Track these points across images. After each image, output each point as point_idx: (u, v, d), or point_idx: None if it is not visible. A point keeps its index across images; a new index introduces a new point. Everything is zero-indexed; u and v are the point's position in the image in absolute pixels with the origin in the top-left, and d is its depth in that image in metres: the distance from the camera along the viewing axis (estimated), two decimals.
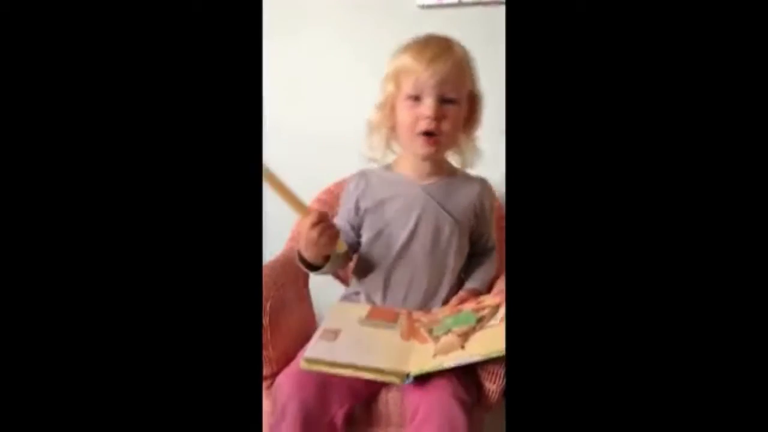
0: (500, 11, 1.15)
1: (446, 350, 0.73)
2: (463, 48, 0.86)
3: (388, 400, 0.81)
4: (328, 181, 1.13)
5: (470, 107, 0.88)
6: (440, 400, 0.71)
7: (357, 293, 0.94)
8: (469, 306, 0.83)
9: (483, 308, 0.80)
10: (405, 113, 0.84)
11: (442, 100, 0.82)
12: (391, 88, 0.86)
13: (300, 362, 0.72)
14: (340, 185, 1.09)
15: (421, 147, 0.85)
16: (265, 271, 0.88)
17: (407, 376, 0.70)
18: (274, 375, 0.82)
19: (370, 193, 0.91)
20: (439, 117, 0.82)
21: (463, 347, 0.72)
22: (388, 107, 0.87)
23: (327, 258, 0.84)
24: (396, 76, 0.84)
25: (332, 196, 1.09)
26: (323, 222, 0.77)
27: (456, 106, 0.84)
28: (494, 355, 0.69)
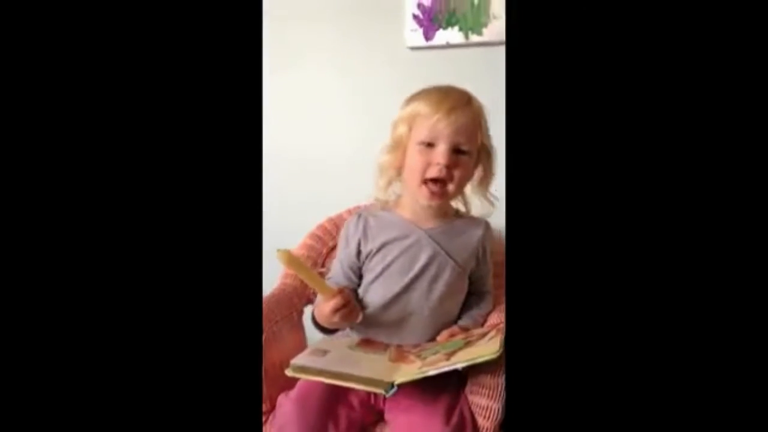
0: (488, 52, 1.20)
1: (431, 363, 0.73)
2: (479, 103, 0.87)
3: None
4: (319, 208, 1.14)
5: (483, 161, 0.89)
6: (438, 421, 0.72)
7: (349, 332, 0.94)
8: (458, 337, 0.83)
9: (472, 336, 0.81)
10: (416, 158, 0.83)
11: (456, 150, 0.82)
12: (404, 130, 0.85)
13: (287, 369, 0.72)
14: (333, 221, 1.10)
15: (426, 197, 0.84)
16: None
17: (392, 385, 0.69)
18: (268, 412, 0.82)
19: (371, 236, 0.89)
20: (450, 165, 0.81)
21: (448, 359, 0.72)
22: (400, 150, 0.86)
23: None
24: (410, 120, 0.84)
25: (325, 232, 1.10)
26: (346, 307, 0.78)
27: (468, 157, 0.83)
28: (478, 360, 0.69)
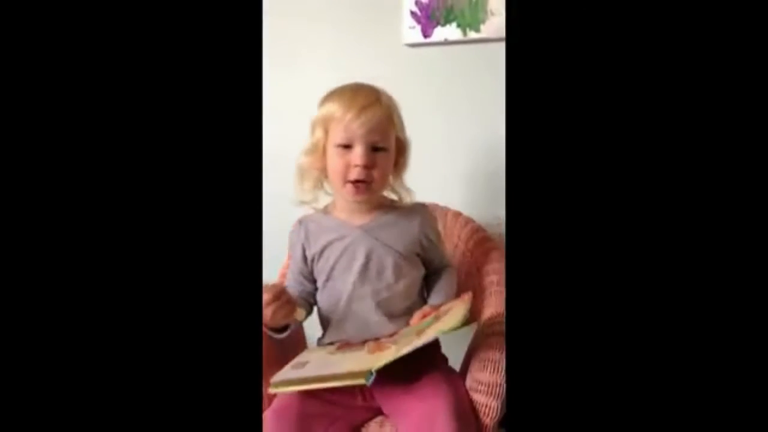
0: (486, 49, 1.19)
1: (404, 344, 0.73)
2: (390, 98, 0.88)
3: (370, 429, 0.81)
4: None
5: (398, 152, 0.91)
6: (442, 418, 0.73)
7: (326, 338, 0.94)
8: (429, 317, 0.84)
9: (440, 312, 0.82)
10: (336, 161, 0.85)
11: (373, 148, 0.84)
12: (320, 134, 0.87)
13: (269, 387, 0.73)
14: None
15: (351, 194, 0.87)
16: None
17: (370, 372, 0.69)
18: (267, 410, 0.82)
19: (312, 241, 0.92)
20: (369, 165, 0.84)
21: (419, 337, 0.73)
22: (319, 152, 0.88)
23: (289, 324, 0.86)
24: (325, 123, 0.86)
25: None
26: (276, 300, 0.78)
27: (385, 153, 0.86)
28: (445, 330, 0.69)
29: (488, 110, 1.21)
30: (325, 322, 0.94)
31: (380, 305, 0.88)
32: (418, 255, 0.93)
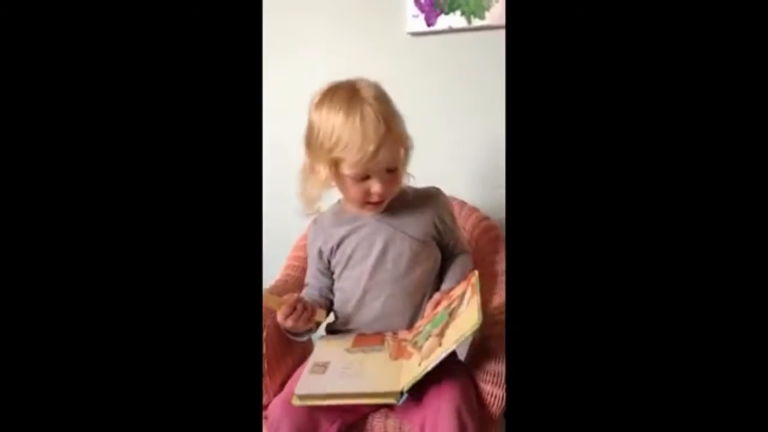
0: (490, 36, 1.18)
1: (428, 354, 0.73)
2: (386, 102, 0.84)
3: (387, 428, 0.82)
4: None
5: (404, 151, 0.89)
6: (447, 409, 0.73)
7: (340, 327, 0.95)
8: (442, 305, 0.84)
9: (453, 300, 0.81)
10: (353, 189, 0.84)
11: (388, 170, 0.83)
12: (326, 172, 0.83)
13: (292, 399, 0.74)
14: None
15: (369, 211, 0.89)
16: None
17: (401, 394, 0.70)
18: (268, 405, 0.82)
19: (328, 235, 0.93)
20: (387, 188, 0.84)
21: (440, 344, 0.73)
22: (326, 183, 0.86)
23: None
24: (332, 163, 0.82)
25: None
26: (293, 311, 0.80)
27: (398, 169, 0.86)
28: (468, 334, 0.69)
29: (493, 98, 1.20)
30: (340, 310, 0.94)
31: (396, 292, 0.89)
32: (434, 239, 0.93)
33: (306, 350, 0.98)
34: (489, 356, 0.82)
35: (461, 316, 0.74)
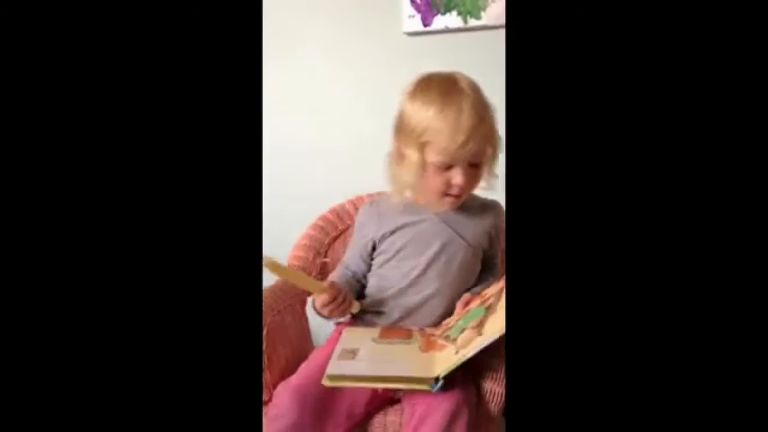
0: (487, 36, 1.19)
1: (466, 343, 0.72)
2: (490, 108, 0.84)
3: (386, 424, 0.81)
4: (318, 196, 1.15)
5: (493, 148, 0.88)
6: (440, 399, 0.73)
7: (362, 317, 0.94)
8: (474, 303, 0.84)
9: (488, 298, 0.81)
10: (433, 178, 0.83)
11: (471, 165, 0.83)
12: (415, 156, 0.82)
13: (323, 380, 0.72)
14: (336, 211, 1.10)
15: (447, 205, 0.88)
16: (263, 296, 0.88)
17: (436, 380, 0.69)
18: (269, 401, 0.82)
19: (385, 221, 0.91)
20: (467, 182, 0.83)
21: (480, 334, 0.72)
22: (415, 168, 0.83)
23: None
24: (421, 139, 0.81)
25: (327, 222, 1.11)
26: (334, 301, 0.80)
27: (481, 166, 0.85)
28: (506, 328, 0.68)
29: (490, 97, 1.20)
30: (374, 295, 0.92)
31: (439, 291, 0.89)
32: (483, 249, 0.93)
33: (302, 344, 0.98)
34: (489, 353, 0.82)
35: (501, 310, 0.74)
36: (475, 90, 0.83)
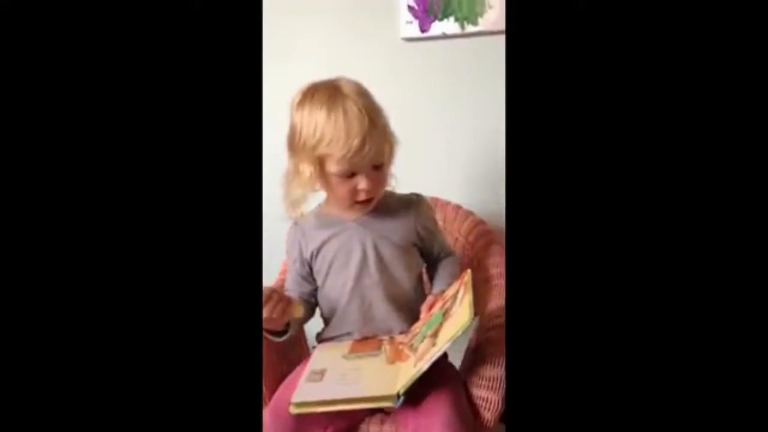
0: (484, 42, 1.19)
1: (422, 355, 0.73)
2: (369, 100, 0.83)
3: (370, 428, 0.81)
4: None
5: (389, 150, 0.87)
6: (440, 415, 0.73)
7: (328, 335, 0.94)
8: (437, 307, 0.84)
9: (447, 301, 0.81)
10: (339, 188, 0.83)
11: (374, 167, 0.82)
12: (310, 170, 0.81)
13: (289, 407, 0.73)
14: None
15: (357, 211, 0.88)
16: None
17: (398, 397, 0.70)
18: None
19: (309, 240, 0.91)
20: (374, 185, 0.83)
21: (434, 344, 0.73)
22: (310, 182, 0.83)
23: (288, 324, 0.85)
24: (314, 154, 0.80)
25: None
26: (271, 299, 0.77)
27: (384, 166, 0.85)
28: (460, 332, 0.69)
29: (487, 104, 1.21)
30: (327, 318, 0.93)
31: (381, 297, 0.88)
32: (415, 245, 0.93)
33: (298, 355, 0.97)
34: (484, 361, 0.82)
35: (454, 315, 0.74)
36: (361, 94, 0.82)
